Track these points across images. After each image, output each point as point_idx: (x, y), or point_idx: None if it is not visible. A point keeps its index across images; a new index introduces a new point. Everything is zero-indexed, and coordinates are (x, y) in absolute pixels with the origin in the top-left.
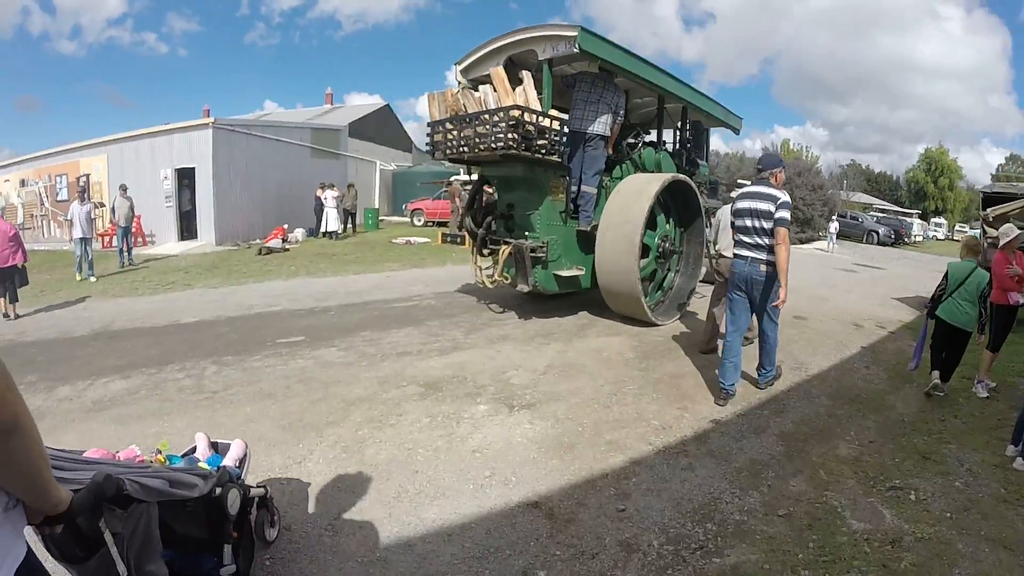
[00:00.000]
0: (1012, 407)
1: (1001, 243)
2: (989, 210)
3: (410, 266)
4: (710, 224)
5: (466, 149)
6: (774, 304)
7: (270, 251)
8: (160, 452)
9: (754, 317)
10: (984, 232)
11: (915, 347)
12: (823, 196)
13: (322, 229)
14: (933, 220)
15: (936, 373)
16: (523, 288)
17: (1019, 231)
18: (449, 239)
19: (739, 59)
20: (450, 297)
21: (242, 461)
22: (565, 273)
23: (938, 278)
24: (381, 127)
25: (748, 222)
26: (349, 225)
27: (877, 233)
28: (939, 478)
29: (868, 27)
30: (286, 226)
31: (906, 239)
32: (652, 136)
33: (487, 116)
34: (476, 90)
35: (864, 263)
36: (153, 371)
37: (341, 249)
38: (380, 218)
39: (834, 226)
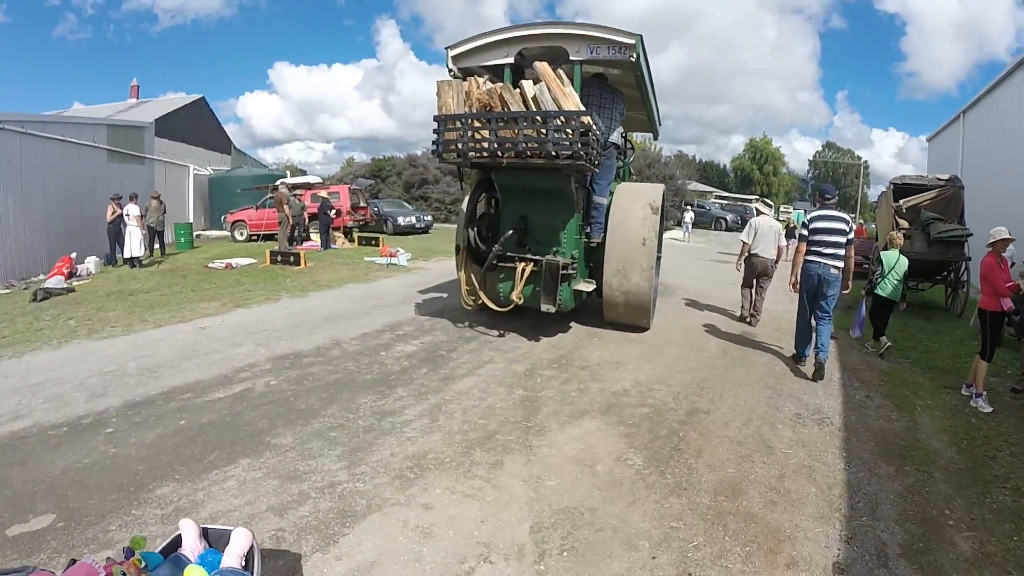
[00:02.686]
0: None
1: (990, 240)
2: (902, 201)
3: (232, 305)
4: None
5: (499, 152)
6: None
7: (48, 294)
8: (135, 553)
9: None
10: (896, 224)
11: (856, 322)
12: (674, 187)
13: (124, 254)
14: (757, 204)
15: (884, 338)
16: (548, 309)
17: (1006, 231)
18: (280, 259)
19: None
20: (299, 365)
21: (248, 557)
22: (583, 287)
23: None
24: (195, 124)
25: (826, 237)
26: (156, 246)
27: (725, 220)
28: None
29: (686, 29)
30: (74, 255)
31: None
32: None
33: (553, 119)
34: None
35: (727, 251)
36: None
37: (143, 283)
38: (196, 233)
39: (689, 215)
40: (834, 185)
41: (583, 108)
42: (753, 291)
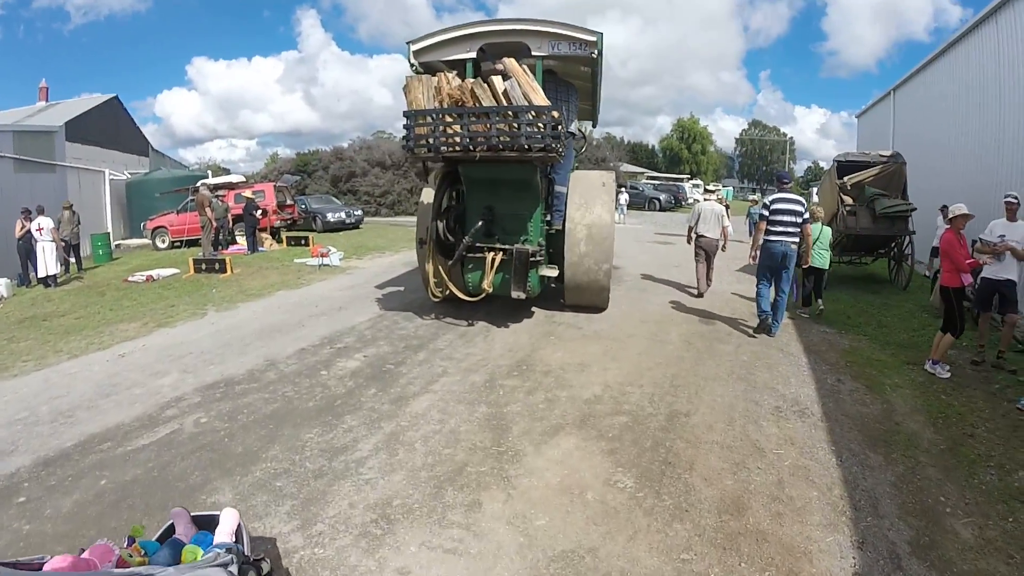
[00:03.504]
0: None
1: (949, 216)
2: (846, 178)
3: (154, 325)
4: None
5: (471, 147)
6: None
7: None
8: (134, 541)
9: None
10: (841, 201)
11: (794, 291)
12: (607, 169)
13: (38, 274)
14: (691, 183)
15: (820, 301)
16: (519, 295)
17: (965, 208)
18: (204, 267)
19: None
20: (231, 395)
21: (238, 533)
22: (547, 273)
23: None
24: (109, 126)
25: (785, 217)
26: (72, 261)
27: (659, 200)
28: None
29: (609, 12)
30: None
31: (684, 203)
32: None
33: (525, 114)
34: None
35: (664, 231)
36: None
37: (58, 305)
38: (115, 243)
39: (624, 197)
40: (761, 161)
41: (550, 103)
42: (704, 266)
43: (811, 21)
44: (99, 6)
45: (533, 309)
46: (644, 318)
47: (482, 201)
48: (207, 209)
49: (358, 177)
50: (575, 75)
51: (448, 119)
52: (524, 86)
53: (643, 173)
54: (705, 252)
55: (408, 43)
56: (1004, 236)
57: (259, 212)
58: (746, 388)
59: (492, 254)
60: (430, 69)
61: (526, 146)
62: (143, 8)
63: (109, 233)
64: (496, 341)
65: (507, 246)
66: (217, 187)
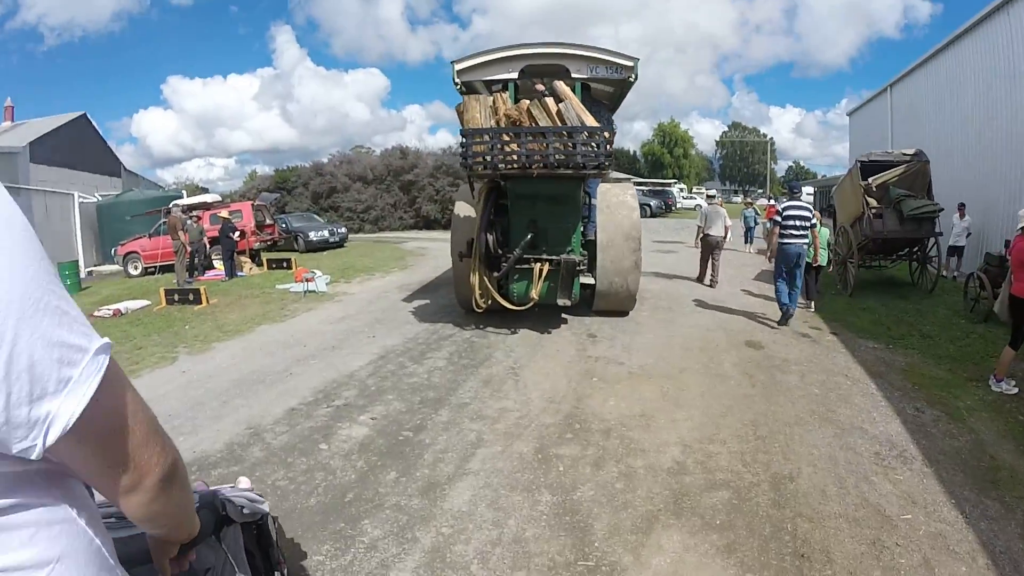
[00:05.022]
0: None
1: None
2: (871, 179)
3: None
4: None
5: (527, 163)
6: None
7: None
8: None
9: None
10: (867, 203)
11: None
12: (613, 180)
13: None
14: (677, 187)
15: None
16: (565, 302)
17: None
18: (177, 298)
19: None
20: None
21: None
22: (586, 281)
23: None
24: (77, 146)
25: (797, 222)
26: None
27: (650, 206)
28: None
29: (583, 22)
30: None
31: (673, 207)
32: None
33: (581, 134)
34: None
35: (661, 239)
36: None
37: None
38: (87, 270)
39: None
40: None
41: (599, 124)
42: (711, 262)
43: (784, 20)
44: (72, 27)
45: (560, 332)
46: (686, 344)
47: (526, 215)
48: (180, 232)
49: (339, 193)
50: (603, 95)
51: (505, 138)
52: (576, 107)
53: (629, 179)
54: (712, 248)
55: (452, 62)
56: None
57: (237, 234)
58: (836, 432)
59: (539, 265)
60: (470, 88)
61: (581, 163)
62: (117, 28)
63: (78, 261)
64: (530, 388)
65: (553, 256)
66: (191, 208)
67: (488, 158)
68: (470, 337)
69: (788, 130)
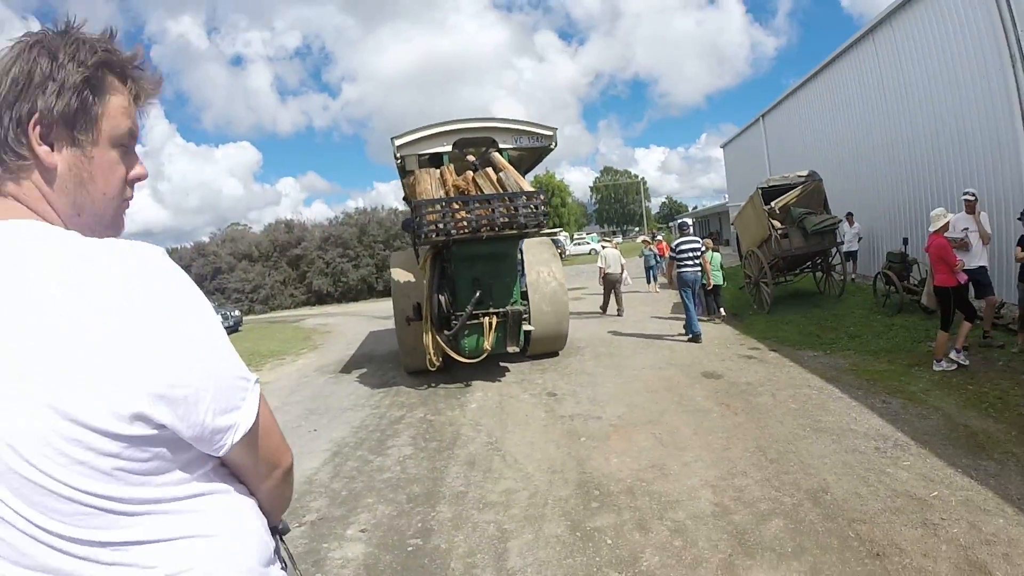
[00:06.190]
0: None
1: (937, 225)
2: (773, 203)
3: None
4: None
5: (476, 227)
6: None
7: None
8: None
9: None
10: (772, 225)
11: (699, 305)
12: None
13: None
14: (563, 235)
15: (721, 310)
16: (514, 349)
17: (947, 215)
18: None
19: (338, 123)
20: None
21: None
22: (528, 328)
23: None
24: None
25: (691, 254)
26: None
27: None
28: None
29: (450, 82)
30: None
31: (564, 255)
32: None
33: (521, 198)
34: (471, 170)
35: (570, 286)
36: None
37: None
38: None
39: None
40: (618, 205)
41: (535, 189)
42: (614, 295)
43: (642, 67)
44: None
45: (517, 396)
46: (648, 387)
47: (470, 274)
48: None
49: (225, 273)
50: (519, 159)
51: (455, 206)
52: (513, 175)
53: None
54: (613, 284)
55: (393, 139)
56: (967, 229)
57: None
58: (832, 438)
59: (487, 318)
60: (413, 162)
61: (523, 224)
62: None
63: None
64: (522, 462)
65: (500, 309)
66: None
67: (441, 225)
68: (424, 416)
69: (655, 168)
